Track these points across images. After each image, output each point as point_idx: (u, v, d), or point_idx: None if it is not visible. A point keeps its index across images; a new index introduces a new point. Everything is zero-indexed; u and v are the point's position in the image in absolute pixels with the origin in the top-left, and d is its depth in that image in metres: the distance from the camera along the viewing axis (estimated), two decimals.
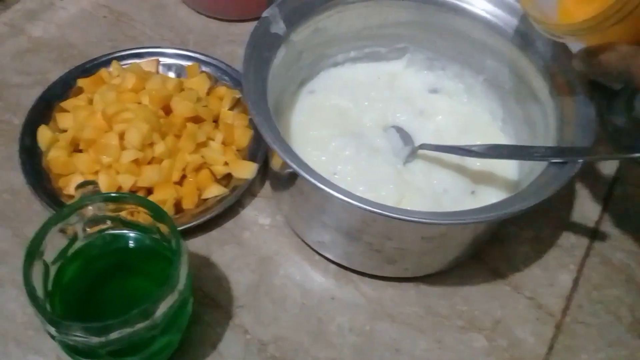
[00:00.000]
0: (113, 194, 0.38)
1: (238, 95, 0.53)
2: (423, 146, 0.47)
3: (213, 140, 0.50)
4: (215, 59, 0.55)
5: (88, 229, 0.38)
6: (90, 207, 0.37)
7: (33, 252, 0.34)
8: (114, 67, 0.54)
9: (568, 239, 0.49)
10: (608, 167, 0.54)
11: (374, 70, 0.54)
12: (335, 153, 0.47)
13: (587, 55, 0.39)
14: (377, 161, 0.46)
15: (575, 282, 0.47)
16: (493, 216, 0.37)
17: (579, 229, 0.50)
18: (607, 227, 0.50)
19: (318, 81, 0.53)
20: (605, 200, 0.52)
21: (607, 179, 0.54)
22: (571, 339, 0.44)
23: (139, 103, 0.49)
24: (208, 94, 0.53)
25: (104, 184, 0.45)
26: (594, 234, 0.50)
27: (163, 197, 0.46)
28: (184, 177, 0.48)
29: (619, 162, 0.55)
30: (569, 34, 0.40)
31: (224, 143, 0.50)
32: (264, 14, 0.45)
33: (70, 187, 0.46)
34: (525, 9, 0.42)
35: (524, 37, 0.46)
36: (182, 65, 0.55)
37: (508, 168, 0.48)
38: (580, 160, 0.39)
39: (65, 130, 0.49)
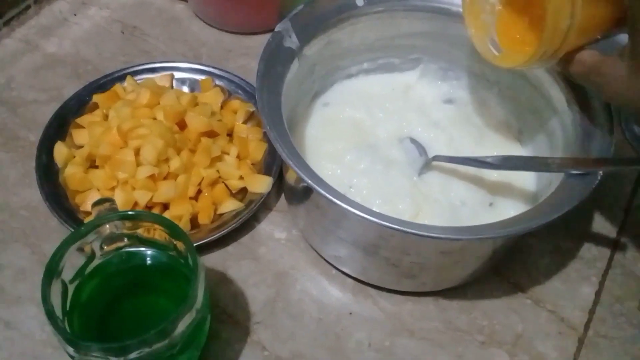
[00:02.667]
0: (130, 212, 0.38)
1: (252, 109, 0.53)
2: (437, 158, 0.46)
3: (228, 154, 0.50)
4: (229, 73, 0.56)
5: (105, 247, 0.38)
6: (107, 226, 0.37)
7: (51, 271, 0.34)
8: (128, 83, 0.54)
9: (589, 251, 0.48)
10: (628, 177, 0.54)
11: (388, 82, 0.53)
12: (351, 166, 0.46)
13: (560, 67, 0.39)
14: (393, 174, 0.46)
15: (597, 294, 0.46)
16: (513, 231, 0.36)
17: (599, 240, 0.49)
18: (629, 238, 0.50)
19: (332, 93, 0.52)
20: (625, 210, 0.51)
21: (627, 188, 0.53)
22: (594, 354, 0.43)
23: (154, 119, 0.49)
24: (222, 107, 0.53)
25: (120, 200, 0.45)
26: (615, 245, 0.49)
27: (179, 212, 0.46)
28: (199, 192, 0.48)
29: (639, 171, 0.54)
30: (525, 67, 0.39)
31: (238, 157, 0.50)
32: (277, 29, 0.45)
33: (87, 203, 0.46)
34: (477, 48, 0.42)
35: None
36: (195, 80, 0.55)
37: (526, 179, 0.47)
38: (600, 172, 0.38)
39: (81, 146, 0.49)
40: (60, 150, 0.49)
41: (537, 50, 0.37)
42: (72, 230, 0.42)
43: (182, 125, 0.49)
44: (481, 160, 0.44)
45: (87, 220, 0.45)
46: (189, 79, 0.56)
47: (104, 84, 0.54)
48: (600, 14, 0.36)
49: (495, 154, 0.47)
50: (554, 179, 0.41)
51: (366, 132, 0.50)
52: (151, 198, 0.46)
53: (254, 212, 0.47)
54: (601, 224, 0.50)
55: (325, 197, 0.36)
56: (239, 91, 0.55)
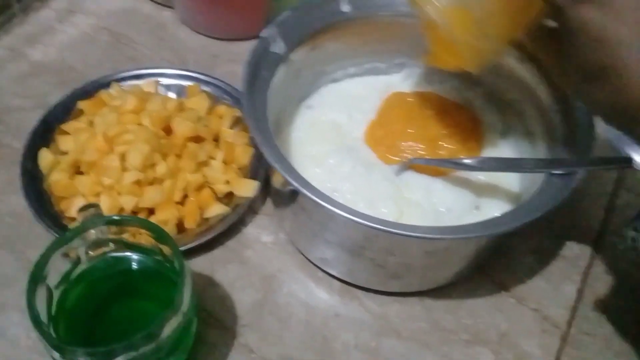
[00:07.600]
0: (115, 217, 0.38)
1: (238, 114, 0.53)
2: (414, 161, 0.47)
3: (214, 159, 0.50)
4: (215, 79, 0.56)
5: (91, 252, 0.38)
6: (92, 231, 0.37)
7: (36, 277, 0.34)
8: (114, 89, 0.54)
9: (571, 249, 0.49)
10: (609, 176, 0.55)
11: (371, 83, 0.53)
12: (333, 170, 0.46)
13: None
14: (374, 177, 0.46)
15: (580, 292, 0.47)
16: (495, 230, 0.37)
17: (582, 239, 0.50)
18: (610, 236, 0.50)
19: (316, 96, 0.52)
20: (606, 209, 0.52)
21: (608, 188, 0.54)
22: (577, 351, 0.44)
23: (140, 124, 0.49)
24: (208, 113, 0.53)
25: (106, 205, 0.45)
26: (597, 244, 0.50)
27: (165, 217, 0.46)
28: (185, 196, 0.48)
29: (619, 170, 0.55)
30: None
31: (225, 162, 0.50)
32: (263, 34, 0.45)
33: (72, 209, 0.46)
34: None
35: (522, 48, 0.46)
36: (182, 86, 0.56)
37: (510, 180, 0.47)
38: (581, 172, 0.39)
39: (66, 153, 0.49)
40: (45, 157, 0.49)
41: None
42: (58, 236, 0.42)
43: (168, 131, 0.49)
44: (458, 162, 0.44)
45: (72, 226, 0.45)
46: (176, 85, 0.56)
47: (89, 91, 0.54)
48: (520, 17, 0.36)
49: (478, 154, 0.48)
50: (537, 180, 0.42)
51: (346, 134, 0.49)
52: (137, 203, 0.46)
53: (240, 216, 0.47)
54: (583, 223, 0.51)
55: (312, 200, 0.37)
56: (226, 97, 0.55)
